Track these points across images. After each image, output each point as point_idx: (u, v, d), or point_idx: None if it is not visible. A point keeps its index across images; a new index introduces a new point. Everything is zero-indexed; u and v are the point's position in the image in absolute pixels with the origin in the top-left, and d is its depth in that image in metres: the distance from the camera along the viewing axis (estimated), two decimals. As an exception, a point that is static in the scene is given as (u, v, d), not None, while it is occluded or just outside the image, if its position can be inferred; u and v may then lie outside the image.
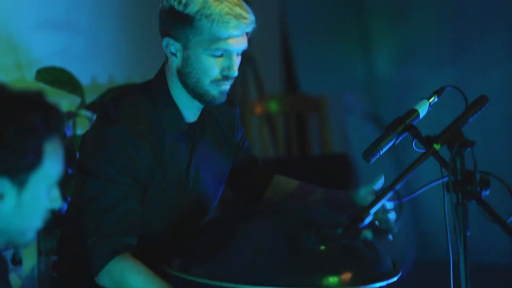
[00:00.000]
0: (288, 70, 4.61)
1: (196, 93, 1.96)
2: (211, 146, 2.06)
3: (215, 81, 1.94)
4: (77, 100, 2.82)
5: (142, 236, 1.98)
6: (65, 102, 2.91)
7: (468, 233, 1.73)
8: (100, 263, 1.89)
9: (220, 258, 1.86)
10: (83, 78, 2.91)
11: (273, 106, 4.18)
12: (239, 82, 4.14)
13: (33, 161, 1.39)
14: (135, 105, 1.96)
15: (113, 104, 1.97)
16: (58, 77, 2.72)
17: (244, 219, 1.96)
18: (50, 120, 1.42)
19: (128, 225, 1.91)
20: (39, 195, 1.42)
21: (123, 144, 1.91)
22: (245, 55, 1.99)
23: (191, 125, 2.01)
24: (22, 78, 3.00)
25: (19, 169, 1.38)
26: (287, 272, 1.82)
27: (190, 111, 2.00)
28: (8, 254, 2.49)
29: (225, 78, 1.94)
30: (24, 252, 2.53)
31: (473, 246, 1.79)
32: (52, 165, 1.42)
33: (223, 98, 1.97)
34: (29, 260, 2.32)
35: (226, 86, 1.96)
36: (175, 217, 2.02)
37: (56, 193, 1.45)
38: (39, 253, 2.20)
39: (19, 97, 1.41)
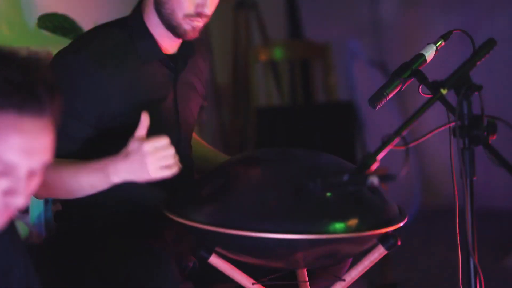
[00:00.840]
0: (292, 15, 4.56)
1: (170, 25, 2.00)
2: (191, 79, 2.11)
3: (188, 16, 1.98)
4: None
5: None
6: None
7: (475, 178, 1.73)
8: None
9: (224, 205, 1.86)
10: (86, 25, 2.88)
11: (278, 53, 4.15)
12: (243, 29, 4.10)
13: None
14: (106, 37, 2.00)
15: (85, 35, 2.04)
16: (60, 24, 2.70)
17: (248, 166, 1.96)
18: (5, 95, 1.22)
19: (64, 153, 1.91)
20: None
21: (86, 73, 1.94)
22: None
23: (170, 56, 2.05)
24: (24, 25, 2.97)
25: None
26: (293, 219, 1.82)
27: (167, 42, 2.04)
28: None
29: (198, 14, 1.98)
30: (31, 200, 2.54)
31: (479, 191, 1.79)
32: None
33: (195, 34, 2.01)
34: (36, 208, 2.32)
35: (199, 22, 2.00)
36: None
37: (14, 187, 1.23)
38: (46, 201, 2.21)
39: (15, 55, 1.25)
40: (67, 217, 2.08)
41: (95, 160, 1.86)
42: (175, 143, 2.01)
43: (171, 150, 1.81)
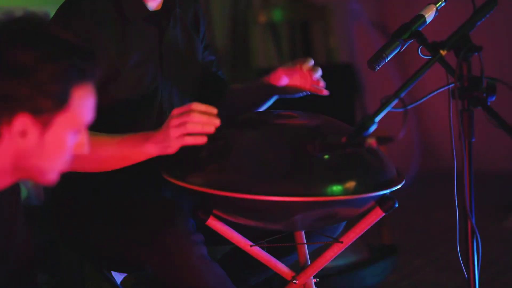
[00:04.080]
0: (292, -23, 4.52)
1: None
2: (180, 34, 2.10)
3: None
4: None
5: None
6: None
7: (473, 140, 1.72)
8: None
9: (221, 167, 1.86)
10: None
11: (278, 15, 4.11)
12: (243, -10, 4.06)
13: (59, 104, 1.39)
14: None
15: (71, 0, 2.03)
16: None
17: (246, 128, 1.95)
18: (86, 68, 1.41)
19: None
20: (62, 138, 1.42)
21: (84, 34, 1.94)
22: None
23: (155, 12, 2.05)
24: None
25: (43, 109, 1.38)
26: (291, 181, 1.81)
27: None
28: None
29: None
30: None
31: (478, 153, 1.78)
32: (80, 111, 1.42)
33: None
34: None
35: None
36: (157, 104, 2.05)
37: (82, 138, 1.46)
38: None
39: (57, 36, 1.40)
40: (65, 179, 2.08)
41: (131, 133, 1.88)
42: (159, 98, 2.03)
43: (197, 116, 1.79)
